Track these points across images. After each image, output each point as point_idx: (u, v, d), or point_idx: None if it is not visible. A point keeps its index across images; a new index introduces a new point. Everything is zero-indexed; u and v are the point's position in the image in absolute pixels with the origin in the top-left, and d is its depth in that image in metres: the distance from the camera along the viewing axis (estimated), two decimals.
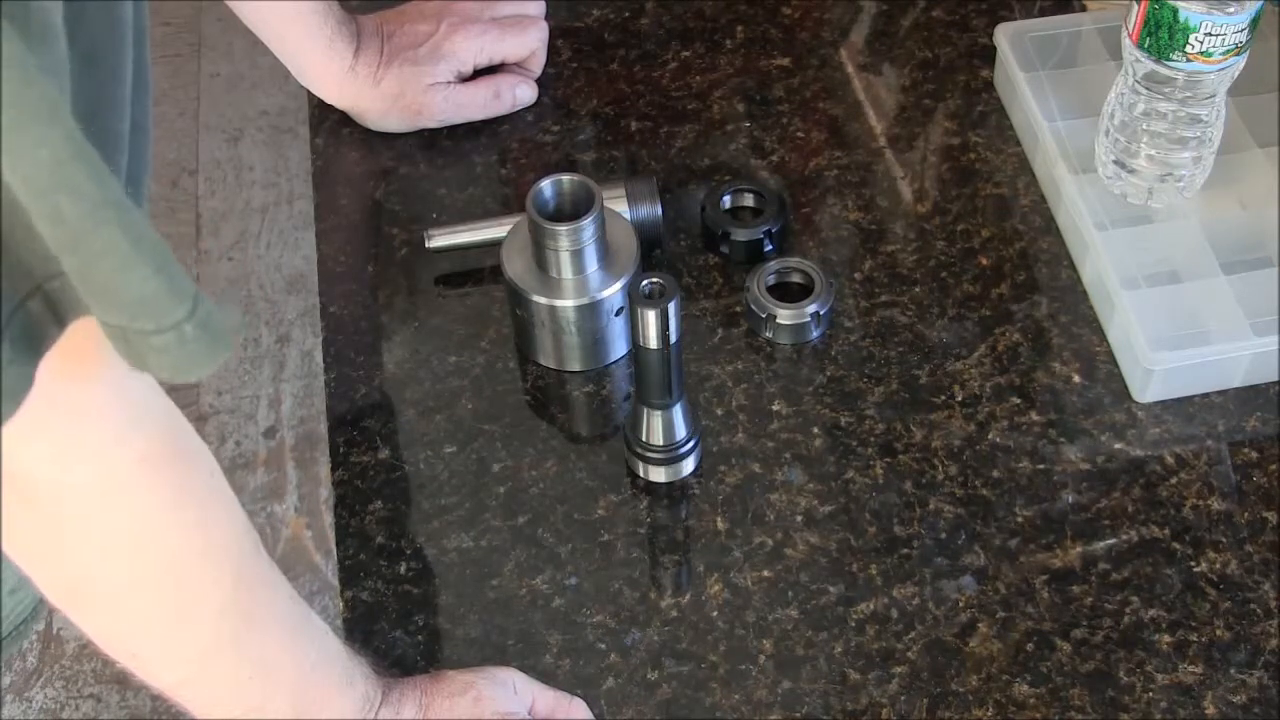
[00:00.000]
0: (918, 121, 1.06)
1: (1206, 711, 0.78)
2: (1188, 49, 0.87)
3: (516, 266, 0.90)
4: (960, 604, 0.82)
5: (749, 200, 1.00)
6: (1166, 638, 0.81)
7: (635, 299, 0.77)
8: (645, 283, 0.77)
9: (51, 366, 0.50)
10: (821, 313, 0.92)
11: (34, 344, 0.49)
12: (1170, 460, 0.88)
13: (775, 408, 0.91)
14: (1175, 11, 0.86)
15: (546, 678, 0.80)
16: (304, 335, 2.04)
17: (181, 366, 0.50)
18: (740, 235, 0.96)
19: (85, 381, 0.55)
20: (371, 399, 0.93)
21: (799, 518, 0.86)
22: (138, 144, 0.55)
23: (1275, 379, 0.91)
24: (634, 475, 0.88)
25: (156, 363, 0.49)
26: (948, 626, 0.81)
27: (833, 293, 0.94)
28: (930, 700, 0.79)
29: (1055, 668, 0.80)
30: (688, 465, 0.87)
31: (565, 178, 0.89)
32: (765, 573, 0.84)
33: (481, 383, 0.93)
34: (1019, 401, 0.90)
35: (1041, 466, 0.87)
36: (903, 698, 0.79)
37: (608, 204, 0.91)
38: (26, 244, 0.47)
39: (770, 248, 0.97)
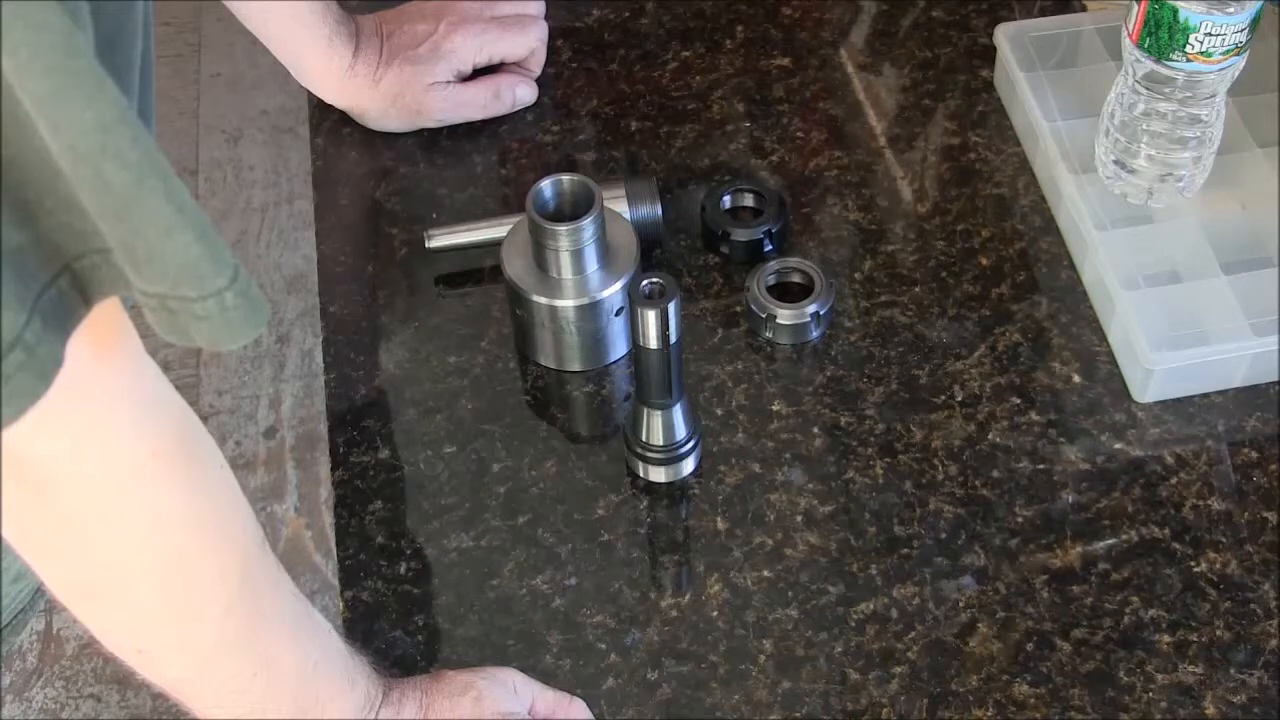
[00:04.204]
0: (918, 121, 1.06)
1: (1206, 711, 0.78)
2: (1188, 49, 0.87)
3: (516, 266, 0.90)
4: (960, 604, 0.82)
5: (749, 200, 1.00)
6: (1166, 638, 0.81)
7: (635, 299, 0.77)
8: (645, 283, 0.77)
9: (72, 350, 0.50)
10: (821, 313, 0.92)
11: (63, 323, 0.50)
12: (1170, 460, 0.88)
13: (775, 408, 0.91)
14: (1175, 11, 0.86)
15: (546, 678, 0.80)
16: (304, 335, 2.04)
17: (222, 335, 0.50)
18: (740, 235, 0.96)
19: (103, 368, 0.55)
20: (371, 399, 0.93)
21: (799, 518, 0.86)
22: None
23: (1275, 379, 0.91)
24: (634, 475, 0.88)
25: (197, 331, 0.50)
26: (948, 626, 0.81)
27: (833, 293, 0.94)
28: (930, 700, 0.79)
29: (1055, 668, 0.80)
30: (688, 465, 0.87)
31: (565, 178, 0.89)
32: (765, 573, 0.84)
33: (481, 383, 0.93)
34: (1019, 401, 0.90)
35: (1041, 466, 0.87)
36: (903, 698, 0.79)
37: (608, 204, 0.91)
38: (59, 220, 0.48)
39: (770, 248, 0.97)
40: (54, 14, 0.44)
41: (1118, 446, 0.88)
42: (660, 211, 0.96)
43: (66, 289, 0.49)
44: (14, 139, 0.46)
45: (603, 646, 0.82)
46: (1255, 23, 0.87)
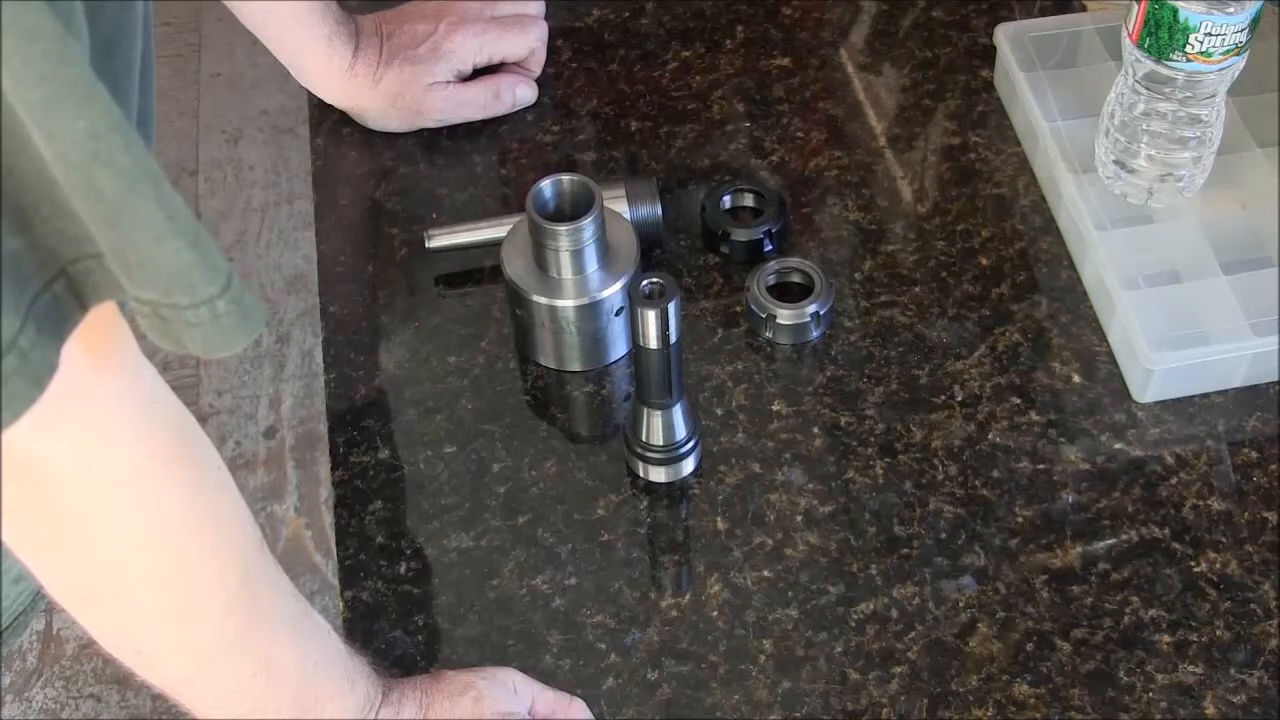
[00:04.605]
0: (918, 121, 1.06)
1: (1206, 711, 0.78)
2: (1188, 49, 0.87)
3: (516, 266, 0.90)
4: (960, 604, 0.82)
5: (749, 200, 1.00)
6: (1166, 638, 0.81)
7: (635, 299, 0.77)
8: (645, 283, 0.77)
9: (69, 354, 0.50)
10: (821, 313, 0.92)
11: (58, 327, 0.50)
12: (1170, 460, 0.88)
13: (775, 408, 0.91)
14: (1175, 11, 0.86)
15: (546, 678, 0.80)
16: (304, 335, 2.04)
17: (215, 342, 0.50)
18: (740, 235, 0.96)
19: (100, 371, 0.55)
20: (371, 399, 0.93)
21: (799, 518, 0.86)
22: (143, 135, 0.55)
23: (1275, 379, 0.91)
24: (634, 475, 0.88)
25: (190, 338, 0.50)
26: (948, 626, 0.81)
27: (833, 293, 0.94)
28: (930, 700, 0.79)
29: (1055, 668, 0.80)
30: (688, 465, 0.87)
31: (565, 178, 0.89)
32: (765, 573, 0.84)
33: (481, 383, 0.93)
34: (1019, 401, 0.90)
35: (1041, 466, 0.87)
36: (903, 698, 0.79)
37: (608, 204, 0.91)
38: (54, 225, 0.48)
39: (770, 248, 0.97)
40: (46, 21, 0.44)
41: (1118, 446, 0.88)
42: (660, 211, 0.96)
43: (62, 294, 0.49)
44: (10, 147, 0.46)
45: (603, 646, 0.82)
46: (1255, 23, 0.87)
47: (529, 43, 1.06)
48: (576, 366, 0.93)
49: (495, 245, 0.93)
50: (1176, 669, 0.79)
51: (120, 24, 0.52)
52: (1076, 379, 0.91)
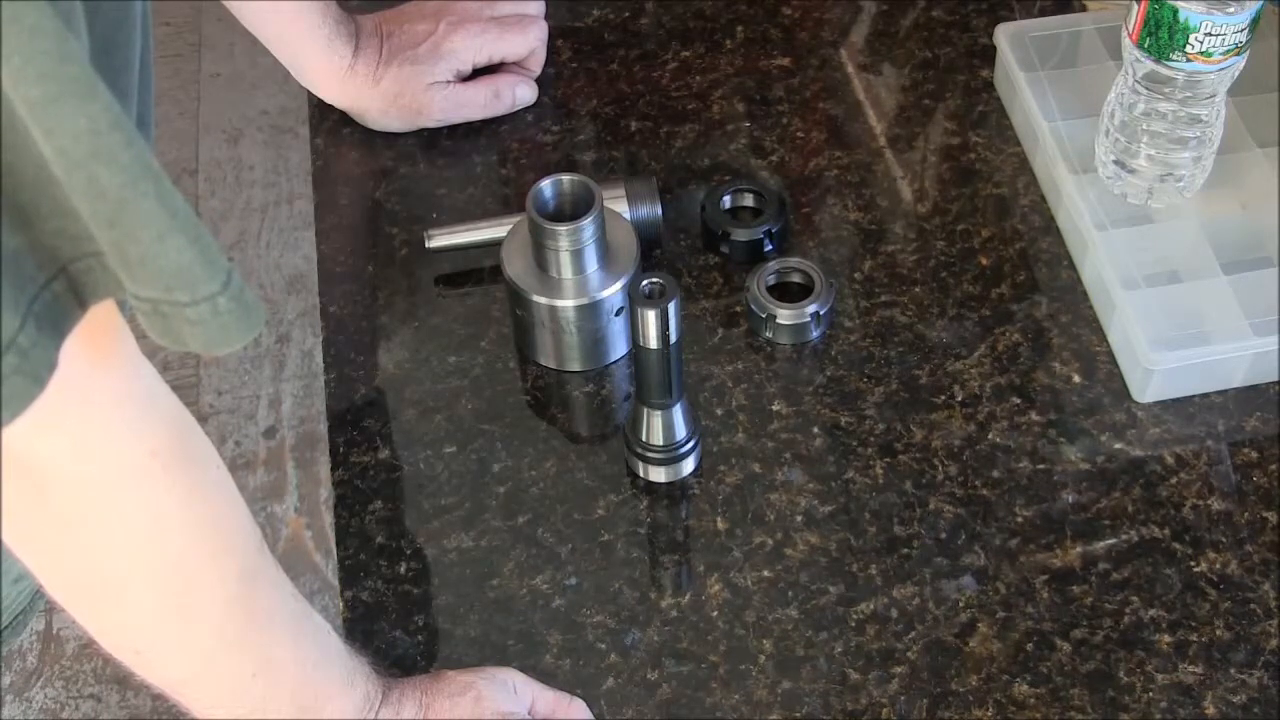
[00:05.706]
0: (918, 121, 1.06)
1: (1206, 711, 0.78)
2: (1188, 49, 0.87)
3: (516, 266, 0.90)
4: (960, 604, 0.82)
5: (749, 200, 1.00)
6: (1166, 638, 0.81)
7: (635, 299, 0.77)
8: (645, 283, 0.77)
9: (69, 353, 0.50)
10: (821, 313, 0.92)
11: (57, 326, 0.50)
12: (1170, 460, 0.88)
13: (775, 408, 0.91)
14: (1175, 11, 0.86)
15: (546, 678, 0.80)
16: (304, 335, 2.04)
17: (215, 339, 0.51)
18: (740, 235, 0.96)
19: (100, 370, 0.55)
20: (371, 399, 0.93)
21: (799, 518, 0.86)
22: (142, 135, 0.55)
23: (1275, 379, 0.91)
24: (634, 475, 0.88)
25: (190, 335, 0.50)
26: (948, 626, 0.81)
27: (833, 293, 0.94)
28: (930, 700, 0.79)
29: (1055, 668, 0.80)
30: (688, 465, 0.87)
31: (565, 178, 0.89)
32: (765, 573, 0.84)
33: (481, 383, 0.93)
34: (1019, 401, 0.90)
35: (1041, 466, 0.87)
36: (903, 698, 0.79)
37: (608, 204, 0.91)
38: (54, 223, 0.48)
39: (770, 248, 0.97)
40: (47, 19, 0.44)
41: (1118, 446, 0.88)
42: (660, 211, 0.96)
43: (61, 292, 0.49)
44: (10, 144, 0.46)
45: (603, 646, 0.82)
46: (1255, 23, 0.87)
47: (529, 43, 1.06)
48: (576, 366, 0.93)
49: (495, 245, 0.93)
50: (1176, 669, 0.79)
51: (118, 23, 0.52)
52: (1076, 379, 0.91)
